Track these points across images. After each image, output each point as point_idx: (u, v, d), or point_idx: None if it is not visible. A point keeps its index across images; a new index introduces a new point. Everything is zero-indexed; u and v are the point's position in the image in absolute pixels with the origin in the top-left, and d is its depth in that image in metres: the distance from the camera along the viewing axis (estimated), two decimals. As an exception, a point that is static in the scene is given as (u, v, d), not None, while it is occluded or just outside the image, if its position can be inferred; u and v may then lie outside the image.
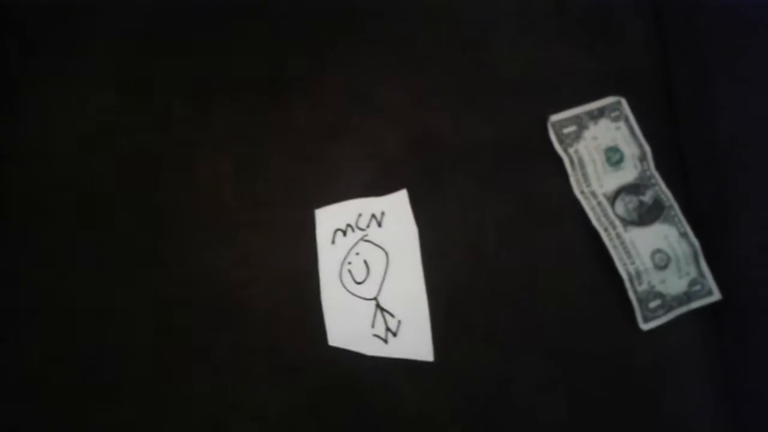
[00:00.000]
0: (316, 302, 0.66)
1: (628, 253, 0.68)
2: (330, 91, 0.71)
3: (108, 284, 0.66)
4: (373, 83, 0.72)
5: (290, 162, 0.70)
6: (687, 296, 0.68)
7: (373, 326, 0.66)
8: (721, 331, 0.68)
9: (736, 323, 0.67)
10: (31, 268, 0.67)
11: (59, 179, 0.69)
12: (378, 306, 0.67)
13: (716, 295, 0.68)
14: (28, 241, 0.68)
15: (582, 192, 0.70)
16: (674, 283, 0.68)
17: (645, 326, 0.66)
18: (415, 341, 0.66)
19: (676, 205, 0.70)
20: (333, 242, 0.68)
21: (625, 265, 0.68)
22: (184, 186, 0.69)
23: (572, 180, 0.71)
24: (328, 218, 0.68)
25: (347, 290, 0.67)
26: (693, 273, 0.69)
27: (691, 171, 0.73)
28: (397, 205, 0.69)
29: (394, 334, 0.66)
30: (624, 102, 0.73)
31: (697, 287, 0.68)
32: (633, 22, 0.76)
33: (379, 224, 0.69)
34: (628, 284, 0.67)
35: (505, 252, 0.69)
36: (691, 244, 0.69)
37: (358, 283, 0.67)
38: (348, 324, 0.66)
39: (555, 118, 0.72)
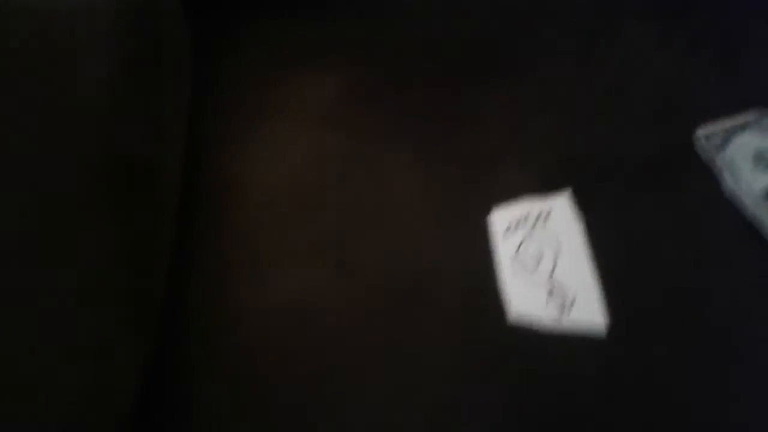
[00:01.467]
0: (497, 289, 0.74)
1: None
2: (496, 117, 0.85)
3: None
4: (531, 116, 0.85)
5: (468, 178, 0.82)
6: None
7: (548, 304, 0.73)
8: None
9: None
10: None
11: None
12: (551, 289, 0.74)
13: None
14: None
15: (737, 188, 0.76)
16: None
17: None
18: (588, 315, 0.71)
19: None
20: (506, 236, 0.77)
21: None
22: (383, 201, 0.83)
23: (726, 177, 0.77)
24: (502, 216, 0.79)
25: (523, 277, 0.75)
26: None
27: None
28: (562, 204, 0.79)
29: (569, 309, 0.72)
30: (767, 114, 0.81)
31: None
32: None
33: (545, 221, 0.78)
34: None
35: (664, 243, 0.74)
36: None
37: (531, 269, 0.75)
38: (527, 301, 0.73)
39: (704, 131, 0.81)
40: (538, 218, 0.78)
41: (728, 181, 0.77)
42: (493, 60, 0.90)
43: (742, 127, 0.80)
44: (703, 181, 0.78)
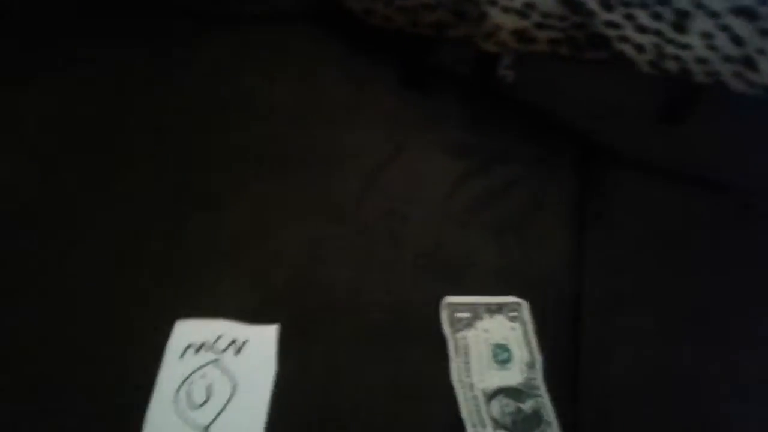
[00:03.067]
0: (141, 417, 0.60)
1: (490, 458, 0.61)
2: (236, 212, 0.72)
3: None
4: (282, 218, 0.72)
5: (171, 265, 0.68)
6: None
7: (189, 460, 0.59)
8: None
9: None
10: None
11: None
12: (204, 437, 0.60)
13: None
14: None
15: (460, 381, 0.66)
16: None
17: None
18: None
19: (555, 423, 0.65)
20: (182, 356, 0.63)
21: (484, 472, 0.61)
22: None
23: (453, 365, 0.66)
24: (186, 331, 0.64)
25: (177, 410, 0.60)
26: (558, 503, 0.61)
27: (580, 395, 0.68)
28: (263, 337, 0.65)
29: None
30: (525, 305, 0.71)
31: None
32: (555, 229, 0.77)
33: (238, 351, 0.64)
34: (482, 492, 0.60)
35: (359, 419, 0.62)
36: (563, 470, 0.62)
37: (195, 408, 0.61)
38: (164, 449, 0.59)
39: (450, 300, 0.70)
40: (228, 346, 0.65)
41: (453, 371, 0.66)
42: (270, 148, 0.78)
43: (494, 310, 0.70)
44: (433, 357, 0.67)
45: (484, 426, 0.63)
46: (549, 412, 0.65)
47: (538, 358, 0.68)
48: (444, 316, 0.69)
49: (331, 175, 0.76)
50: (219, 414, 0.61)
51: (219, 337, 0.65)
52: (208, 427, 0.60)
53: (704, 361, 0.68)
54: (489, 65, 0.73)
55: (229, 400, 0.62)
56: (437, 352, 0.67)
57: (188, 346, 0.64)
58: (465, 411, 0.64)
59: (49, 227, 0.69)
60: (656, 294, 0.71)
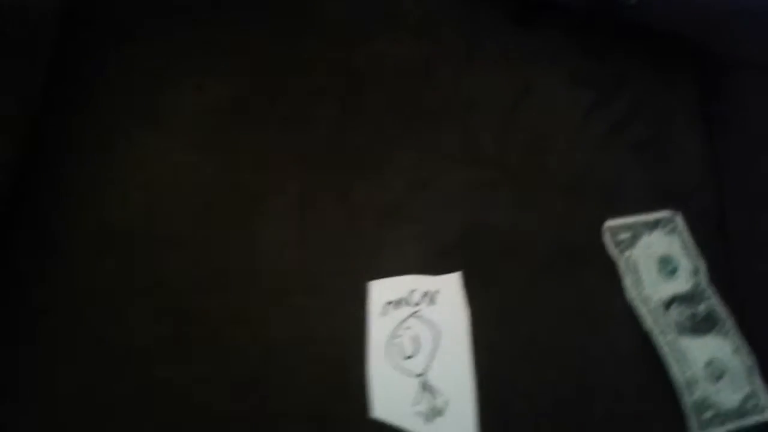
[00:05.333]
0: (364, 372, 0.65)
1: (684, 359, 0.67)
2: (397, 173, 0.75)
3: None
4: (437, 170, 0.75)
5: (349, 234, 0.72)
6: (742, 411, 0.65)
7: (418, 403, 0.64)
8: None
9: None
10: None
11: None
12: (424, 383, 0.65)
13: (773, 415, 0.65)
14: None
15: (638, 296, 0.71)
16: (728, 397, 0.66)
17: (700, 436, 0.64)
18: (459, 423, 0.63)
19: (729, 321, 0.70)
20: (384, 314, 0.68)
21: (680, 371, 0.66)
22: (247, 247, 0.71)
23: (627, 283, 0.71)
24: (381, 290, 0.69)
25: (394, 363, 0.66)
26: (747, 389, 0.67)
27: (744, 295, 0.73)
28: (450, 286, 0.70)
29: (440, 414, 0.64)
30: (679, 217, 0.75)
31: (752, 403, 0.66)
32: (688, 142, 0.80)
33: (432, 302, 0.69)
34: (682, 391, 0.65)
35: (554, 349, 0.68)
36: (745, 360, 0.68)
37: (406, 358, 0.67)
38: (393, 398, 0.64)
39: (610, 224, 0.74)
40: (422, 299, 0.70)
41: (629, 288, 0.71)
42: (407, 104, 0.79)
43: (652, 226, 0.75)
44: (604, 280, 0.72)
45: (668, 331, 0.68)
46: (721, 311, 0.70)
47: (701, 264, 0.73)
48: (607, 239, 0.73)
49: (470, 121, 0.78)
50: (431, 361, 0.67)
51: (412, 291, 0.69)
52: (422, 374, 0.66)
53: None
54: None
55: (435, 347, 0.67)
56: (608, 273, 0.72)
57: (388, 303, 0.69)
58: (650, 321, 0.69)
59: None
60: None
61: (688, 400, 0.65)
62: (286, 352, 0.66)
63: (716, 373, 0.67)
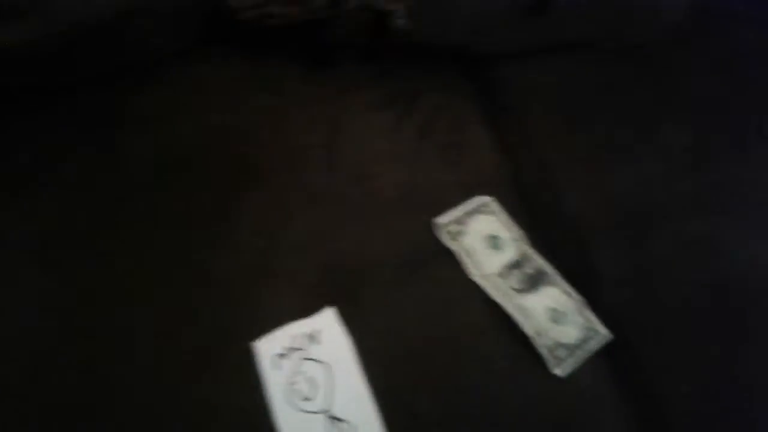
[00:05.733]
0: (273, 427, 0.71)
1: (527, 315, 0.80)
2: (246, 236, 0.80)
3: None
4: (281, 220, 0.82)
5: (222, 305, 0.76)
6: (585, 342, 0.80)
7: (329, 438, 0.71)
8: (619, 364, 0.80)
9: (628, 355, 0.80)
10: None
11: None
12: (331, 417, 0.72)
13: (607, 335, 0.80)
14: None
15: (478, 274, 0.82)
16: (571, 333, 0.80)
17: (558, 372, 0.77)
18: (371, 440, 0.71)
19: (554, 272, 0.84)
20: (276, 367, 0.74)
21: (528, 325, 0.79)
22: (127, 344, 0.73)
23: (468, 267, 0.83)
24: (266, 347, 0.74)
25: (298, 408, 0.72)
26: (584, 322, 0.81)
27: (558, 244, 0.88)
28: (327, 322, 0.77)
29: (351, 439, 0.71)
30: (492, 200, 0.88)
31: (591, 333, 0.80)
32: (480, 135, 0.93)
33: (317, 341, 0.76)
34: (534, 340, 0.78)
35: (428, 339, 0.78)
36: (575, 299, 0.82)
37: (308, 400, 0.73)
38: (305, 440, 0.71)
39: (439, 220, 0.85)
40: (307, 341, 0.76)
41: (470, 270, 0.83)
42: (236, 169, 0.84)
43: (473, 213, 0.87)
44: (451, 270, 0.83)
45: (510, 295, 0.81)
46: (546, 267, 0.84)
47: (520, 232, 0.86)
48: (442, 233, 0.84)
49: (298, 167, 0.86)
50: (331, 395, 0.73)
51: (295, 337, 0.76)
52: (327, 410, 0.73)
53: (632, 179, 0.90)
54: (383, 23, 0.84)
55: (332, 381, 0.74)
56: (452, 263, 0.83)
57: (276, 356, 0.74)
58: (493, 292, 0.81)
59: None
60: (579, 146, 0.91)
61: (541, 346, 0.78)
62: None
63: (556, 317, 0.81)
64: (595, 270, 0.85)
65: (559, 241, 0.88)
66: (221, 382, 0.72)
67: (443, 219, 0.85)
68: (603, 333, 0.80)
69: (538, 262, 0.85)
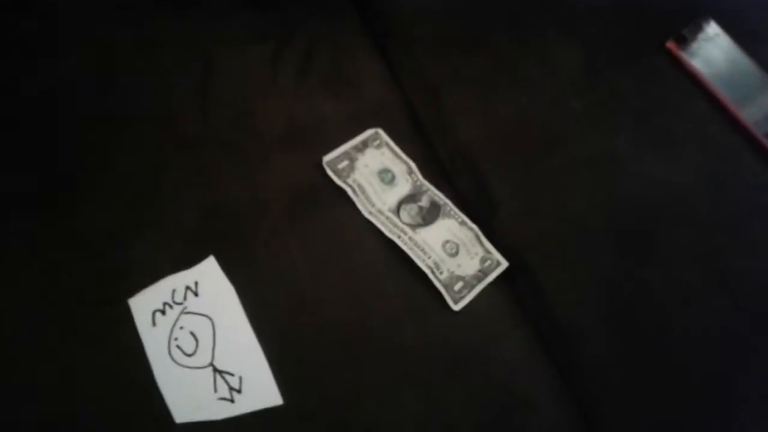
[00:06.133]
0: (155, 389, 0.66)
1: (423, 250, 0.77)
2: (112, 190, 0.74)
3: None
4: (157, 168, 0.75)
5: (93, 260, 0.70)
6: (482, 272, 0.77)
7: (215, 391, 0.67)
8: (518, 290, 0.78)
9: (526, 281, 0.78)
10: None
11: None
12: (215, 370, 0.68)
13: (504, 264, 0.78)
14: None
15: (370, 213, 0.78)
16: (468, 265, 0.77)
17: (456, 307, 0.74)
18: (260, 391, 0.67)
19: (449, 202, 0.81)
20: (154, 324, 0.69)
21: (424, 261, 0.76)
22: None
23: (359, 205, 0.79)
24: (142, 303, 0.69)
25: (180, 365, 0.67)
26: (480, 252, 0.79)
27: (452, 173, 0.85)
28: (207, 272, 0.72)
29: (239, 391, 0.67)
30: (381, 131, 0.84)
31: (488, 263, 0.78)
32: (365, 63, 0.88)
33: (196, 294, 0.71)
34: (431, 276, 0.75)
35: (321, 283, 0.74)
36: (471, 229, 0.79)
37: (189, 355, 0.68)
38: (190, 397, 0.66)
39: (327, 158, 0.80)
40: (185, 294, 0.71)
41: (361, 208, 0.78)
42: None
43: (362, 147, 0.82)
44: (343, 212, 0.78)
45: (404, 232, 0.78)
46: (440, 198, 0.81)
47: (412, 164, 0.83)
48: (329, 172, 0.80)
49: (170, 111, 0.79)
50: (214, 347, 0.69)
51: (174, 291, 0.70)
52: (211, 363, 0.68)
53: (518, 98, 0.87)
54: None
55: (214, 333, 0.70)
56: (343, 202, 0.79)
57: (153, 313, 0.69)
58: (386, 230, 0.77)
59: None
60: (460, 69, 0.87)
61: (439, 281, 0.75)
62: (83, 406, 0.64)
63: (453, 249, 0.78)
64: (490, 197, 0.82)
65: (452, 170, 0.84)
66: (94, 344, 0.67)
67: (331, 156, 0.81)
68: (500, 261, 0.78)
69: (433, 193, 0.81)
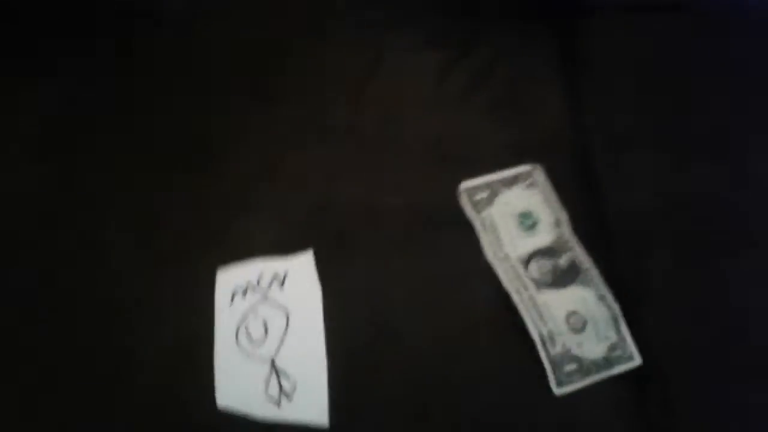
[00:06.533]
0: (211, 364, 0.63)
1: (541, 315, 0.64)
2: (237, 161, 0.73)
3: None
4: (285, 150, 0.73)
5: (196, 222, 0.69)
6: (607, 361, 0.63)
7: (266, 388, 0.62)
8: (644, 399, 0.62)
9: (659, 390, 0.62)
10: None
11: None
12: (273, 367, 0.63)
13: (637, 360, 0.63)
14: None
15: (494, 255, 0.68)
16: (592, 347, 0.63)
17: (558, 390, 0.61)
18: (310, 405, 0.61)
19: (594, 269, 0.68)
20: (232, 302, 0.66)
21: (537, 327, 0.64)
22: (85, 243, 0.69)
23: (484, 243, 0.69)
24: (228, 278, 0.67)
25: (242, 350, 0.64)
26: (613, 337, 0.64)
27: (612, 237, 0.71)
28: (301, 266, 0.67)
29: (289, 397, 0.61)
30: (540, 169, 0.73)
31: (618, 352, 0.63)
32: (548, 92, 0.77)
33: (281, 284, 0.67)
34: (540, 346, 0.63)
35: (410, 315, 0.65)
36: (610, 308, 0.65)
37: (255, 344, 0.64)
38: (240, 385, 0.62)
39: (467, 184, 0.72)
40: (271, 282, 0.67)
41: (486, 248, 0.68)
42: (255, 85, 0.77)
43: (510, 182, 0.72)
44: (463, 243, 0.69)
45: (526, 288, 0.66)
46: (584, 260, 0.68)
47: (563, 215, 0.70)
48: (464, 200, 0.71)
49: (320, 95, 0.76)
50: (281, 344, 0.64)
51: (261, 275, 0.67)
52: (273, 359, 0.63)
53: (718, 178, 0.70)
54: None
55: (286, 330, 0.65)
56: (468, 236, 0.69)
57: (235, 292, 0.66)
58: (506, 280, 0.67)
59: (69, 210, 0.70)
60: (659, 125, 0.73)
61: (548, 355, 0.63)
62: (134, 351, 0.64)
63: (578, 324, 0.64)
64: (648, 280, 0.66)
65: (611, 232, 0.70)
66: (171, 298, 0.66)
67: (471, 183, 0.72)
68: (634, 356, 0.63)
69: (577, 253, 0.68)
